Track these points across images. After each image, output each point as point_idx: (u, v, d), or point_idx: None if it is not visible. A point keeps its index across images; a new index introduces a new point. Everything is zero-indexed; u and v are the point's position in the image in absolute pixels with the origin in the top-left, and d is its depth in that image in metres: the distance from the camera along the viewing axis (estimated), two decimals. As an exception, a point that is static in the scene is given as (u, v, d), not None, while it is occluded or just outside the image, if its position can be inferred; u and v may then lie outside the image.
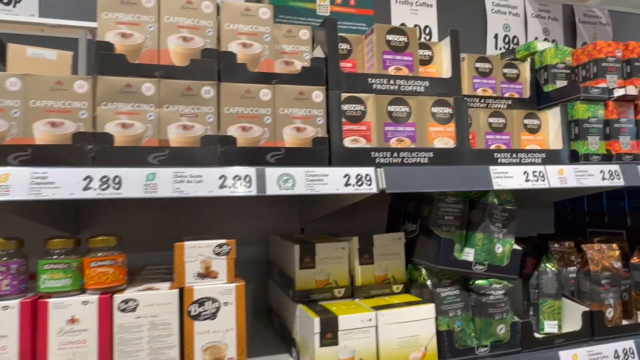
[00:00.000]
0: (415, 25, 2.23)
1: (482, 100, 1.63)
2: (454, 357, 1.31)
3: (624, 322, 1.59)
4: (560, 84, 1.67)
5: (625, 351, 1.48)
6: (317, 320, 1.21)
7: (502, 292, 1.39)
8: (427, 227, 1.42)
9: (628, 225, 1.80)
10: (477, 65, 1.67)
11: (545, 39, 2.45)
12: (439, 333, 1.31)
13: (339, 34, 1.36)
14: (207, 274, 1.16)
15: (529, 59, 1.72)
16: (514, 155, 1.49)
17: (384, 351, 1.26)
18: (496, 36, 2.27)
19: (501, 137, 1.59)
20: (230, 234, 1.78)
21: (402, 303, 1.34)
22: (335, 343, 1.22)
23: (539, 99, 1.71)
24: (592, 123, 1.57)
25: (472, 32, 2.35)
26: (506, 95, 1.71)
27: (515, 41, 2.39)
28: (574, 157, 1.57)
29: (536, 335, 1.44)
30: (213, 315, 1.14)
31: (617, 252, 1.57)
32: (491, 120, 1.57)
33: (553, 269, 1.55)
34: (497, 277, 1.40)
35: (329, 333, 1.22)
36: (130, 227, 1.68)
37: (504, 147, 1.58)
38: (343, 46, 1.44)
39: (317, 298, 1.44)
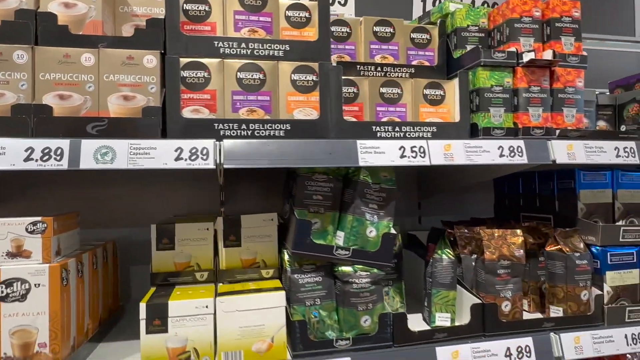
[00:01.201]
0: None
1: (379, 69, 1.46)
2: (307, 350, 1.19)
3: (530, 317, 1.43)
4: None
5: (520, 349, 1.32)
6: (143, 306, 1.12)
7: (368, 280, 1.25)
8: (292, 207, 1.29)
9: (556, 210, 1.61)
10: (376, 29, 1.49)
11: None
12: (290, 323, 1.20)
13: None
14: (18, 253, 1.08)
15: (438, 22, 1.53)
16: (397, 129, 1.32)
17: (223, 341, 1.15)
18: (424, 0, 2.06)
19: (395, 109, 1.42)
20: (143, 212, 1.74)
21: (250, 290, 1.22)
22: (164, 330, 1.13)
23: (449, 67, 1.53)
24: (496, 92, 1.38)
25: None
26: (414, 62, 1.53)
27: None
28: (474, 132, 1.39)
29: (415, 329, 1.29)
30: (22, 297, 1.07)
31: (520, 240, 1.39)
32: (384, 90, 1.41)
33: (448, 256, 1.40)
34: (364, 264, 1.26)
35: (157, 319, 1.12)
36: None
37: (397, 119, 1.42)
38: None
39: (176, 281, 1.34)
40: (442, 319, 1.38)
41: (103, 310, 1.43)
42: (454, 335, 1.31)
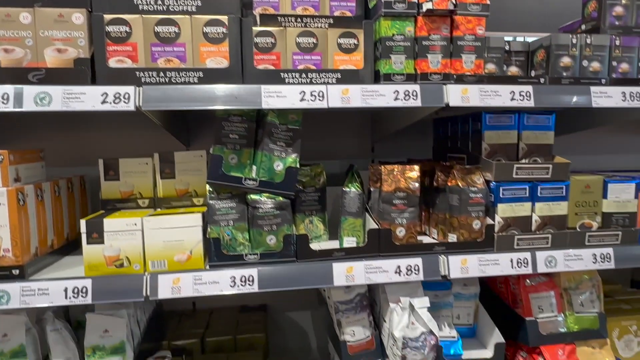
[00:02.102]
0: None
1: (299, 20, 1.60)
2: (221, 261, 1.45)
3: (425, 241, 1.62)
4: (390, -2, 1.59)
5: (409, 267, 1.53)
6: (83, 222, 1.39)
7: (272, 206, 1.47)
8: (213, 144, 1.51)
9: (469, 150, 1.76)
10: (298, -18, 1.62)
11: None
12: (207, 240, 1.45)
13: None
14: (-18, 179, 1.36)
15: (357, -28, 1.64)
16: (304, 76, 1.49)
17: (150, 251, 1.42)
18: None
19: (310, 57, 1.58)
20: (113, 153, 2.00)
21: (174, 212, 1.47)
22: (101, 242, 1.40)
23: (368, 18, 1.65)
24: (397, 41, 1.51)
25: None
26: (336, 13, 1.66)
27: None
28: (377, 78, 1.54)
29: (315, 248, 1.53)
30: (-12, 213, 1.36)
31: (416, 175, 1.57)
32: (300, 40, 1.56)
33: (355, 189, 1.60)
34: (270, 192, 1.48)
35: (95, 233, 1.40)
36: None
37: (313, 67, 1.58)
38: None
39: (122, 207, 1.62)
40: (349, 243, 1.60)
41: (70, 231, 1.73)
42: (352, 254, 1.54)
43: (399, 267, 1.53)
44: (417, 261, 1.54)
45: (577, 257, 1.63)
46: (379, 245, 1.55)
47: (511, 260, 1.59)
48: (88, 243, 1.40)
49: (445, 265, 1.55)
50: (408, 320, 1.53)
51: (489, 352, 1.69)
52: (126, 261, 1.42)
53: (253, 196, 1.49)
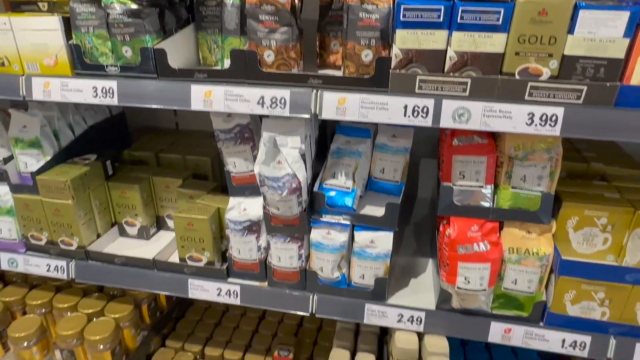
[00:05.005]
0: None
1: None
2: (85, 70, 1.43)
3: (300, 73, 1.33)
4: None
5: (274, 99, 1.31)
6: (-37, 18, 1.45)
7: (122, 11, 1.32)
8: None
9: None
10: None
11: None
12: (69, 46, 1.41)
13: None
14: None
15: None
16: None
17: (23, 54, 1.45)
18: None
19: None
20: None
21: (39, 15, 1.43)
22: (-18, 41, 1.46)
23: None
24: None
25: None
26: None
27: None
28: None
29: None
30: None
31: (287, -19, 1.22)
32: None
33: (234, 0, 1.34)
34: (119, -4, 1.32)
35: (-25, 30, 1.46)
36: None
37: None
38: None
39: (25, 9, 1.63)
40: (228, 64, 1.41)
41: None
42: (215, 77, 1.36)
43: (262, 97, 1.32)
44: (284, 93, 1.30)
45: (504, 114, 1.20)
46: (245, 70, 1.33)
47: (405, 107, 1.24)
48: (-30, 45, 1.47)
49: (317, 102, 1.29)
50: (265, 156, 1.37)
51: (382, 211, 1.47)
52: (6, 61, 1.48)
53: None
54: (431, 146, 1.95)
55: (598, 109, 1.16)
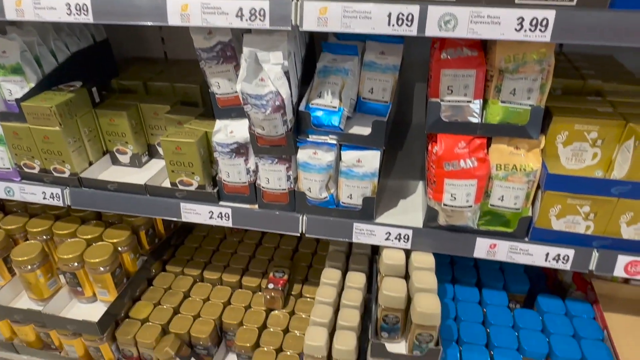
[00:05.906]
0: None
1: None
2: (56, -14, 1.36)
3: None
4: None
5: (253, 11, 1.25)
6: None
7: None
8: None
9: None
10: None
11: None
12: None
13: None
14: None
15: None
16: None
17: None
18: None
19: None
20: None
21: None
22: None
23: None
24: None
25: None
26: None
27: None
28: None
29: None
30: None
31: None
32: None
33: None
34: None
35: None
36: None
37: None
38: None
39: None
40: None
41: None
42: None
43: (241, 9, 1.26)
44: (263, 4, 1.24)
45: (492, 20, 1.14)
46: (218, -21, 1.26)
47: (389, 15, 1.19)
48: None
49: (297, 11, 1.23)
50: (247, 73, 1.34)
51: (369, 130, 1.45)
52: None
53: None
54: (425, 70, 1.88)
55: (591, 12, 1.10)
